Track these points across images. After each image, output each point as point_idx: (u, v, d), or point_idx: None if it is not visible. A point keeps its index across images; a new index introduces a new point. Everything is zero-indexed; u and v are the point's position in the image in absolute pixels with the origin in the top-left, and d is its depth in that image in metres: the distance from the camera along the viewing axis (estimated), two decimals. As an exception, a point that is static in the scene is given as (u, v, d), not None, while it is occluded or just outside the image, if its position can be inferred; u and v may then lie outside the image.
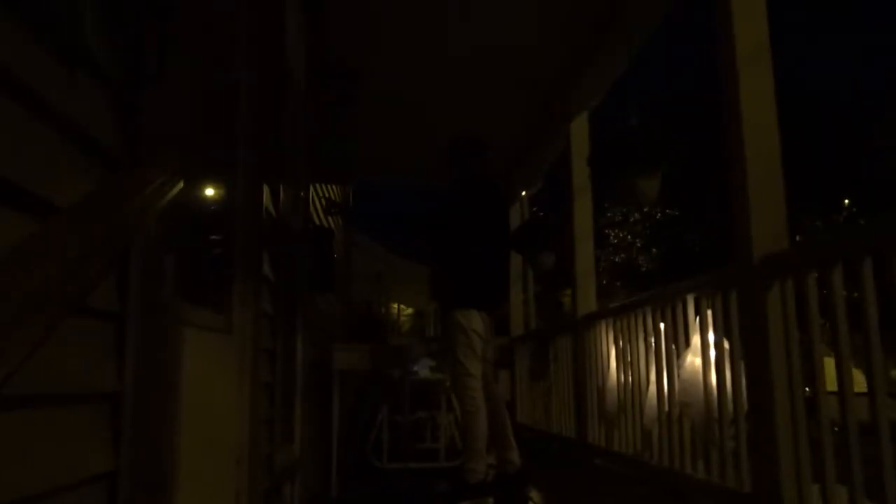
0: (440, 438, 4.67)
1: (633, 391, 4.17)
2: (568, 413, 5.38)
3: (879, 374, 2.16)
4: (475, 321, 3.72)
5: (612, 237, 16.65)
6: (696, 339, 3.39)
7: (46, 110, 0.89)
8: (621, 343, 4.42)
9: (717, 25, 3.01)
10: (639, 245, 16.53)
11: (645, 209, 14.65)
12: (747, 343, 2.81)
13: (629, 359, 4.26)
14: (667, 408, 3.65)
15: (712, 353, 3.22)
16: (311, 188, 3.85)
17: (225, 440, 1.98)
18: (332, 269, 3.79)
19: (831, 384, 2.38)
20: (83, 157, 1.00)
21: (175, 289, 1.44)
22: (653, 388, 3.86)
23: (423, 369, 4.86)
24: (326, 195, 4.30)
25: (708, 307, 3.26)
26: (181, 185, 1.16)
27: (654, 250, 16.34)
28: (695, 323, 3.43)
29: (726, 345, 3.10)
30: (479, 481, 3.60)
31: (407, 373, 3.96)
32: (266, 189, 2.34)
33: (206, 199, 2.05)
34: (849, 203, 14.35)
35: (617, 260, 16.30)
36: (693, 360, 3.40)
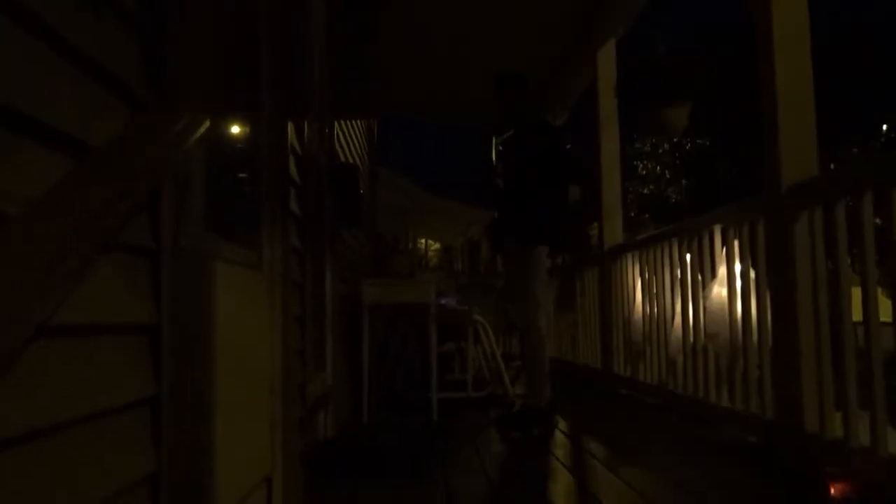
0: (468, 370, 4.77)
1: (658, 322, 4.21)
2: (594, 344, 5.46)
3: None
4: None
5: (640, 168, 16.42)
6: (722, 270, 3.39)
7: (73, 50, 0.91)
8: (647, 275, 4.44)
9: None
10: (668, 176, 16.29)
11: (675, 140, 14.37)
12: (774, 273, 2.81)
13: (655, 290, 4.28)
14: (692, 338, 3.68)
15: (738, 283, 3.23)
16: (337, 123, 3.84)
17: (259, 370, 2.05)
18: (358, 205, 3.83)
19: (858, 314, 2.38)
20: (112, 98, 1.02)
21: (206, 225, 1.48)
22: (678, 318, 3.89)
23: (451, 302, 4.93)
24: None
25: (735, 238, 3.25)
26: (207, 123, 1.18)
27: (683, 181, 16.10)
28: (721, 254, 3.43)
29: (752, 275, 3.10)
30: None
31: (434, 305, 4.03)
32: (290, 125, 2.35)
33: (232, 136, 2.07)
34: (887, 129, 13.92)
35: (645, 192, 16.11)
36: (719, 290, 3.41)
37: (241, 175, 2.17)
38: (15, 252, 0.71)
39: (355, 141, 5.07)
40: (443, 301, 4.63)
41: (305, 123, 2.69)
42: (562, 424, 3.80)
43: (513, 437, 3.59)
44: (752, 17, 2.84)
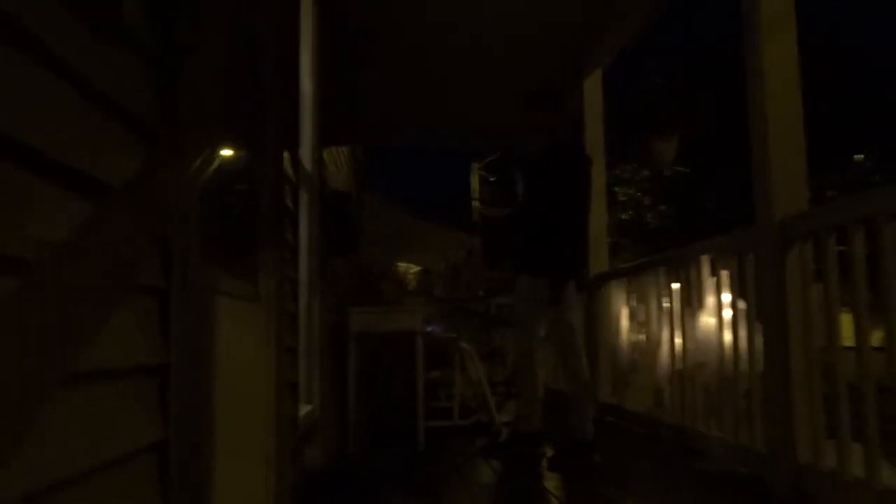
0: (454, 397, 4.73)
1: (645, 350, 4.22)
2: (579, 371, 5.44)
3: (898, 336, 2.18)
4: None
5: (619, 194, 16.57)
6: (711, 300, 3.42)
7: (97, 92, 0.89)
8: (634, 303, 4.45)
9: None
10: (647, 203, 16.46)
11: (665, 172, 14.52)
12: (765, 304, 2.83)
13: (642, 319, 4.30)
14: (680, 367, 3.70)
15: (727, 313, 3.25)
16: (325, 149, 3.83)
17: (254, 404, 2.02)
18: (349, 233, 3.81)
19: (848, 341, 2.41)
20: (129, 135, 1.01)
21: (204, 257, 1.45)
22: (666, 346, 3.90)
23: (437, 329, 4.91)
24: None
25: (723, 269, 3.28)
26: (217, 158, 1.17)
27: (662, 207, 16.28)
28: (710, 284, 3.45)
29: (742, 305, 3.12)
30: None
31: (421, 333, 4.00)
32: (286, 153, 2.34)
33: (227, 165, 2.05)
34: (863, 158, 14.24)
35: (625, 217, 16.27)
36: (708, 319, 3.43)
37: (234, 204, 2.15)
38: (41, 298, 0.69)
39: (343, 167, 5.06)
40: (429, 328, 4.61)
41: (303, 153, 2.67)
42: (550, 453, 3.77)
43: (501, 466, 3.56)
44: (744, 57, 2.90)
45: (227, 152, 1.28)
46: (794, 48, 2.82)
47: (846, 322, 2.45)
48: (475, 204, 16.82)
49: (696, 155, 13.52)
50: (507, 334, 8.16)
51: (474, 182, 17.42)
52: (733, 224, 3.81)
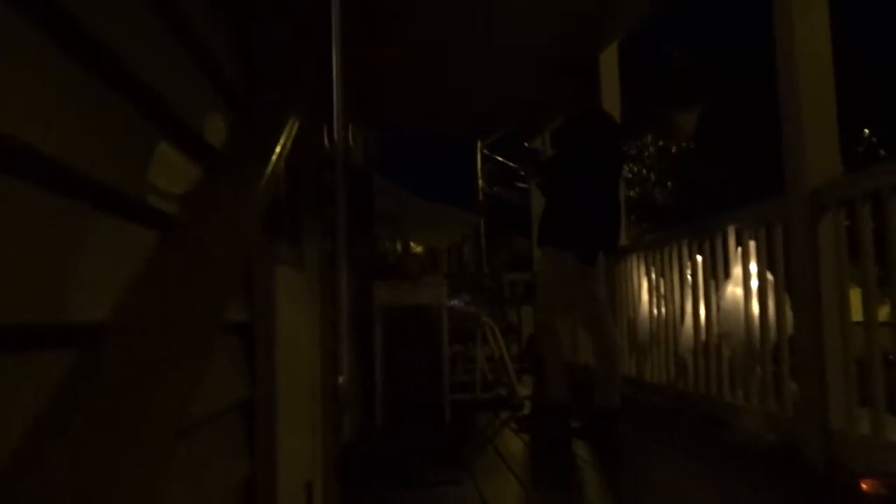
0: (475, 371, 4.77)
1: (666, 322, 4.25)
2: (597, 345, 5.48)
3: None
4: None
5: (626, 171, 16.54)
6: (737, 270, 3.43)
7: (197, 46, 0.90)
8: (654, 276, 4.47)
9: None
10: (653, 179, 16.46)
11: (683, 144, 14.46)
12: (796, 274, 2.84)
13: (663, 291, 4.32)
14: (703, 337, 3.72)
15: (754, 283, 3.26)
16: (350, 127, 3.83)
17: (304, 373, 2.04)
18: (372, 209, 3.82)
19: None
20: (219, 97, 1.01)
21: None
22: (689, 318, 3.93)
23: (460, 304, 4.94)
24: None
25: (751, 239, 3.29)
26: (296, 126, 1.18)
27: (669, 184, 16.28)
28: (736, 254, 3.46)
29: (769, 276, 3.14)
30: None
31: (444, 307, 4.02)
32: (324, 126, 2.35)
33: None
34: (868, 133, 14.20)
35: (632, 194, 16.26)
36: (734, 290, 3.44)
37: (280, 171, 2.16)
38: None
39: (360, 147, 5.05)
40: (452, 303, 4.63)
41: (334, 127, 2.68)
42: (576, 424, 3.81)
43: (530, 438, 3.57)
44: (775, 26, 2.88)
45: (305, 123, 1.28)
46: (826, 17, 2.81)
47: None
48: (481, 183, 16.83)
49: (702, 131, 13.48)
50: (520, 311, 8.23)
51: (479, 161, 17.40)
52: (739, 201, 3.79)
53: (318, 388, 2.16)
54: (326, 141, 2.46)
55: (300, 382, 1.99)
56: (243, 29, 1.14)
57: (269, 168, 0.92)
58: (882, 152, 13.84)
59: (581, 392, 3.73)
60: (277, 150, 1.00)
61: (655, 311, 4.43)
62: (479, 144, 18.74)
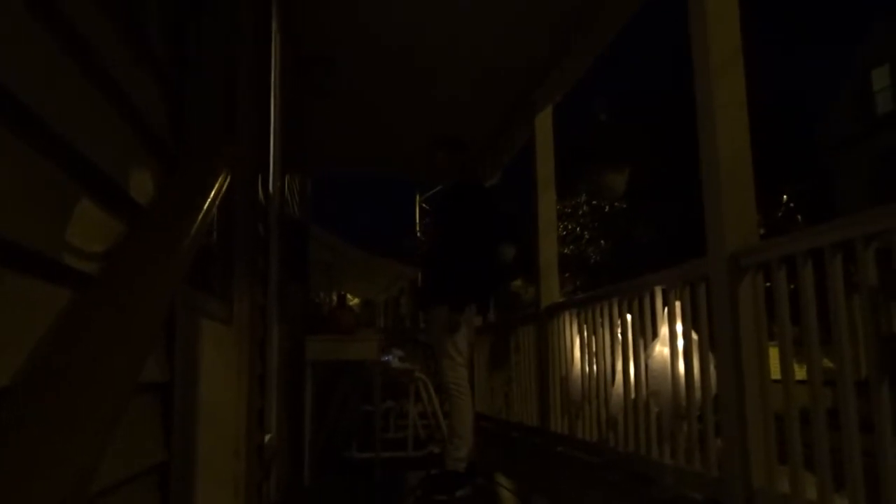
0: (408, 428, 4.70)
1: (598, 380, 4.30)
2: (530, 402, 5.49)
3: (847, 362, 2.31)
4: (469, 316, 3.90)
5: (560, 229, 16.93)
6: (664, 330, 3.52)
7: (125, 105, 0.89)
8: (586, 333, 4.54)
9: (691, 33, 3.12)
10: (587, 237, 16.89)
11: (615, 203, 14.96)
12: (718, 333, 2.94)
13: (594, 349, 4.38)
14: (633, 395, 3.77)
15: (680, 342, 3.35)
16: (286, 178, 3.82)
17: (226, 431, 1.97)
18: (307, 260, 3.78)
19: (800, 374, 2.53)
20: (145, 151, 1.00)
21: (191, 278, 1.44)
22: (619, 376, 3.99)
23: (393, 359, 4.89)
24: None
25: (676, 299, 3.39)
26: (228, 179, 1.17)
27: (602, 242, 16.72)
28: (663, 314, 3.56)
29: (695, 335, 3.23)
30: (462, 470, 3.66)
31: (377, 363, 3.98)
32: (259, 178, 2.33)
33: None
34: (786, 199, 15.01)
35: (566, 251, 16.61)
36: (661, 349, 3.53)
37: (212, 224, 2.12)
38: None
39: (295, 196, 5.03)
40: (386, 358, 4.59)
41: (270, 178, 2.66)
42: (504, 482, 3.78)
43: (439, 501, 3.51)
44: (696, 97, 3.05)
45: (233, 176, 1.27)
46: (742, 89, 2.98)
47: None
48: (419, 237, 16.93)
49: (633, 191, 13.98)
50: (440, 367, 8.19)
51: (417, 214, 17.55)
52: (670, 259, 3.94)
53: (242, 446, 2.09)
54: (261, 191, 2.44)
55: (223, 441, 1.92)
56: (174, 81, 1.14)
57: (196, 224, 0.91)
58: (799, 217, 14.63)
59: (516, 447, 3.73)
60: (206, 205, 0.99)
61: (587, 369, 4.48)
62: (417, 198, 18.97)
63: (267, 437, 2.97)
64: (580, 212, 16.59)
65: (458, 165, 4.13)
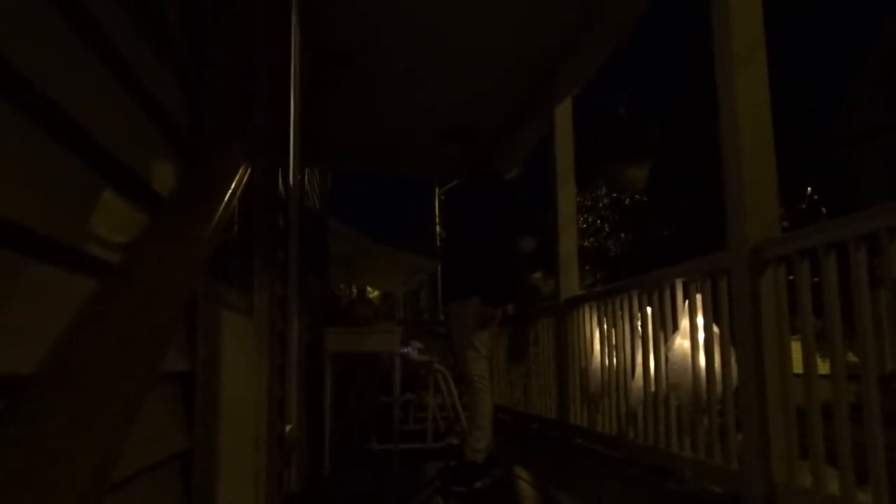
0: (426, 420, 4.72)
1: (618, 373, 4.29)
2: (549, 394, 5.49)
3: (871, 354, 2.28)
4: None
5: (580, 221, 16.85)
6: (684, 323, 3.50)
7: (151, 106, 0.90)
8: (606, 326, 4.52)
9: (713, 19, 3.09)
10: (607, 230, 16.79)
11: (636, 195, 14.86)
12: (739, 326, 2.92)
13: (614, 341, 4.37)
14: (653, 388, 3.76)
15: (701, 335, 3.33)
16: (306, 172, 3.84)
17: (247, 423, 1.99)
18: (326, 253, 3.80)
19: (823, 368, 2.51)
20: (167, 144, 1.01)
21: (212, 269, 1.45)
22: (639, 369, 3.97)
23: (413, 351, 4.91)
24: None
25: (697, 292, 3.37)
26: (248, 173, 1.18)
27: (622, 235, 16.61)
28: (684, 307, 3.54)
29: (716, 328, 3.21)
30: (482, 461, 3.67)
31: (397, 354, 3.99)
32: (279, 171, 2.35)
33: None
34: (811, 192, 14.80)
35: (586, 244, 16.52)
36: (682, 342, 3.51)
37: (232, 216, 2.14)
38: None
39: (315, 190, 5.06)
40: (405, 350, 4.61)
41: (290, 171, 2.68)
42: (523, 473, 3.78)
43: (458, 492, 3.51)
44: (717, 87, 3.01)
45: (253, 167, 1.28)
46: (765, 77, 2.95)
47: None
48: (438, 229, 16.95)
49: (654, 184, 13.88)
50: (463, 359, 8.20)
51: (437, 207, 17.56)
52: (690, 252, 3.91)
53: (263, 437, 2.11)
54: (281, 185, 2.46)
55: (244, 432, 1.94)
56: (195, 76, 1.15)
57: (217, 215, 0.92)
58: (823, 210, 14.43)
59: (535, 440, 3.72)
60: (226, 197, 1.00)
61: (607, 362, 4.47)
62: (436, 191, 18.97)
63: (287, 428, 3.00)
64: (600, 204, 16.49)
65: (471, 157, 4.07)
